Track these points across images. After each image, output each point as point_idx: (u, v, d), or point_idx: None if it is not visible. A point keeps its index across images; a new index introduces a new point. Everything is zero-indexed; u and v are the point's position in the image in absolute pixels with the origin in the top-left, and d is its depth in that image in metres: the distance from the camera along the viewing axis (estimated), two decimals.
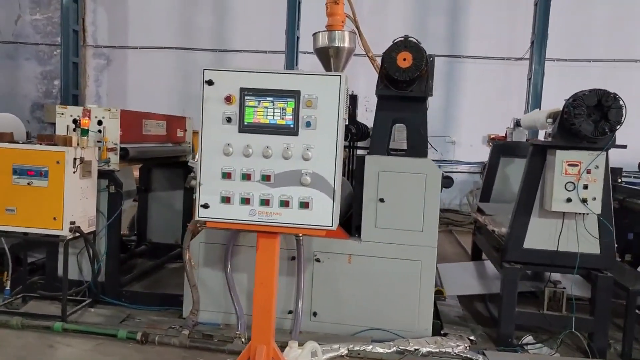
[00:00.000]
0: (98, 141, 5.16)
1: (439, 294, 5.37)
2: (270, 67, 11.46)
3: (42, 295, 5.17)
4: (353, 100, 7.10)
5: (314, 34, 6.14)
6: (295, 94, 3.02)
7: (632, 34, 12.62)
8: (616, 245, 4.80)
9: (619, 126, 4.18)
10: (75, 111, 5.18)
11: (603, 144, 4.35)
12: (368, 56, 5.70)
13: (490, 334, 5.13)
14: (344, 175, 6.64)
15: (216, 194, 3.11)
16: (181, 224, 6.64)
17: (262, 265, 3.25)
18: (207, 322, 4.88)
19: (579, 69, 12.45)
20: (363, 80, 9.17)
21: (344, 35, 5.99)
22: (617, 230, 6.15)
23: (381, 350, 4.46)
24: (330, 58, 6.14)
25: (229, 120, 3.07)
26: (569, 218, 4.63)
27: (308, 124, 3.03)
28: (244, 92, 3.05)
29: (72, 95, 13.30)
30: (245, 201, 3.10)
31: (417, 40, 4.43)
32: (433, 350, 4.53)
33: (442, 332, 4.90)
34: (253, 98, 3.06)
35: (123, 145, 5.32)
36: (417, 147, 4.85)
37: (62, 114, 5.21)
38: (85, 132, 4.83)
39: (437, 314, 5.33)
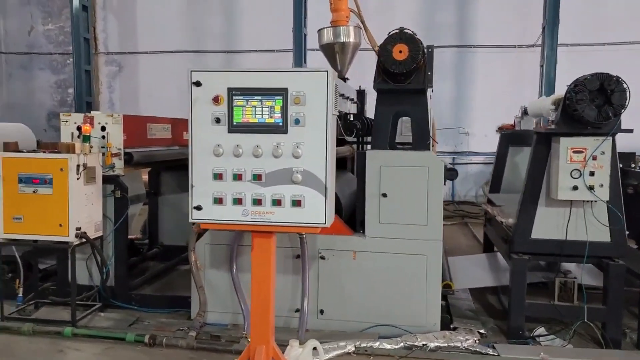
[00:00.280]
0: (102, 147, 5.21)
1: (447, 287, 5.30)
2: (277, 66, 11.45)
3: (53, 301, 5.24)
4: (361, 95, 7.06)
5: (319, 31, 6.11)
6: (282, 92, 3.00)
7: None
8: (628, 232, 4.68)
9: (623, 110, 4.07)
10: (78, 118, 5.25)
11: (608, 129, 4.25)
12: (374, 50, 5.64)
13: (502, 326, 5.06)
14: (351, 171, 6.61)
15: (208, 195, 3.11)
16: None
17: (258, 265, 3.23)
18: (215, 323, 4.90)
19: (593, 54, 12.19)
20: (371, 75, 9.05)
21: (349, 30, 5.96)
22: (633, 217, 6.03)
23: (388, 347, 4.42)
24: (336, 54, 6.11)
25: (218, 120, 3.06)
26: (576, 206, 4.53)
27: (297, 122, 3.01)
28: (232, 91, 3.04)
29: (86, 102, 13.50)
30: (238, 201, 3.09)
31: (412, 31, 4.37)
32: (441, 345, 4.47)
33: (451, 326, 4.84)
34: (241, 97, 3.04)
35: (127, 150, 5.36)
36: (419, 140, 4.79)
37: (66, 121, 5.28)
38: (87, 139, 4.87)
39: (448, 308, 5.28)
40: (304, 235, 4.64)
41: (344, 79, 6.29)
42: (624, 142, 6.55)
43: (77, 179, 4.71)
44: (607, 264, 4.57)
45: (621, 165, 6.15)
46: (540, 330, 4.87)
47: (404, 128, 6.40)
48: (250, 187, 3.07)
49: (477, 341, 4.57)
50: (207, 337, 4.60)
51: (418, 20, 13.22)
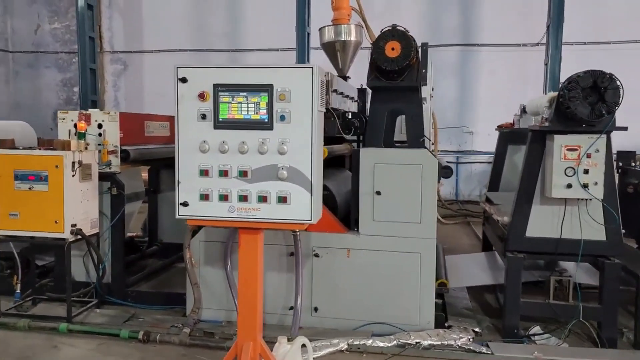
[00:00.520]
0: (99, 144, 5.24)
1: (442, 285, 5.28)
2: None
3: (50, 297, 5.28)
4: (362, 93, 7.04)
5: (320, 29, 6.11)
6: (268, 88, 3.00)
7: None
8: (625, 231, 4.64)
9: (616, 107, 4.03)
10: (75, 116, 5.27)
11: (602, 126, 4.21)
12: None
13: (498, 325, 5.03)
14: (350, 169, 6.59)
15: (195, 191, 3.12)
16: None
17: (245, 262, 3.24)
18: (210, 320, 4.92)
19: (598, 52, 12.09)
20: None
21: (350, 28, 5.95)
22: (633, 216, 5.97)
23: (381, 344, 4.41)
24: (337, 52, 6.10)
25: (203, 117, 3.07)
26: (571, 204, 4.49)
27: (282, 118, 3.01)
28: (218, 88, 3.04)
29: (91, 101, 13.57)
30: (224, 198, 3.09)
31: (405, 28, 4.35)
32: (435, 343, 4.46)
33: (446, 325, 4.83)
34: (227, 94, 3.04)
35: (124, 148, 5.39)
36: (413, 137, 4.77)
37: (64, 119, 5.31)
38: (82, 136, 4.91)
39: (444, 307, 5.26)
40: (298, 233, 4.63)
41: (345, 78, 6.27)
42: (624, 141, 6.51)
43: (73, 175, 4.73)
44: (603, 262, 4.54)
45: (621, 164, 6.12)
46: (536, 329, 4.83)
47: (404, 126, 6.38)
48: (236, 184, 3.08)
49: (471, 339, 4.55)
50: (200, 333, 4.63)
51: (423, 19, 13.20)
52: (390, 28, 4.37)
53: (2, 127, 5.88)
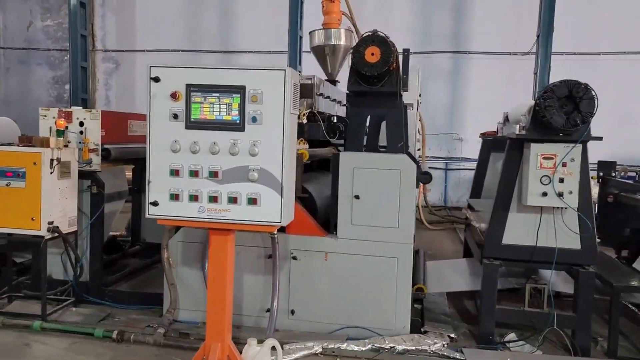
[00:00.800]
0: (80, 142, 5.22)
1: (420, 290, 5.29)
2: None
3: (26, 295, 5.25)
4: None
5: (310, 33, 6.14)
6: (240, 90, 3.01)
7: None
8: (600, 240, 4.68)
9: (591, 117, 4.06)
10: (56, 113, 5.25)
11: (577, 135, 4.24)
12: None
13: (474, 331, 5.05)
14: None
15: (165, 191, 3.12)
16: None
17: (215, 262, 3.24)
18: (186, 321, 4.90)
19: (588, 63, 12.16)
20: None
21: (340, 33, 5.99)
22: (612, 226, 6.01)
23: (356, 348, 4.42)
24: (327, 56, 6.14)
25: (175, 116, 3.07)
26: (547, 212, 4.52)
27: (254, 119, 3.02)
28: (190, 88, 3.05)
29: (82, 99, 13.52)
30: (194, 198, 3.10)
31: (385, 34, 4.37)
32: (409, 348, 4.47)
33: (422, 330, 4.83)
34: (199, 94, 3.06)
35: (106, 146, 5.37)
36: (393, 142, 4.78)
37: (45, 116, 5.29)
38: (61, 133, 4.88)
39: (422, 312, 5.27)
40: (276, 235, 4.64)
41: (334, 82, 6.30)
42: (606, 151, 6.55)
43: (51, 173, 4.72)
44: (577, 271, 4.56)
45: (602, 174, 6.17)
46: (511, 335, 4.85)
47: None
48: (207, 184, 3.09)
49: (445, 345, 4.56)
50: (175, 334, 4.61)
51: (414, 25, 13.26)
52: (370, 33, 4.38)
53: None
